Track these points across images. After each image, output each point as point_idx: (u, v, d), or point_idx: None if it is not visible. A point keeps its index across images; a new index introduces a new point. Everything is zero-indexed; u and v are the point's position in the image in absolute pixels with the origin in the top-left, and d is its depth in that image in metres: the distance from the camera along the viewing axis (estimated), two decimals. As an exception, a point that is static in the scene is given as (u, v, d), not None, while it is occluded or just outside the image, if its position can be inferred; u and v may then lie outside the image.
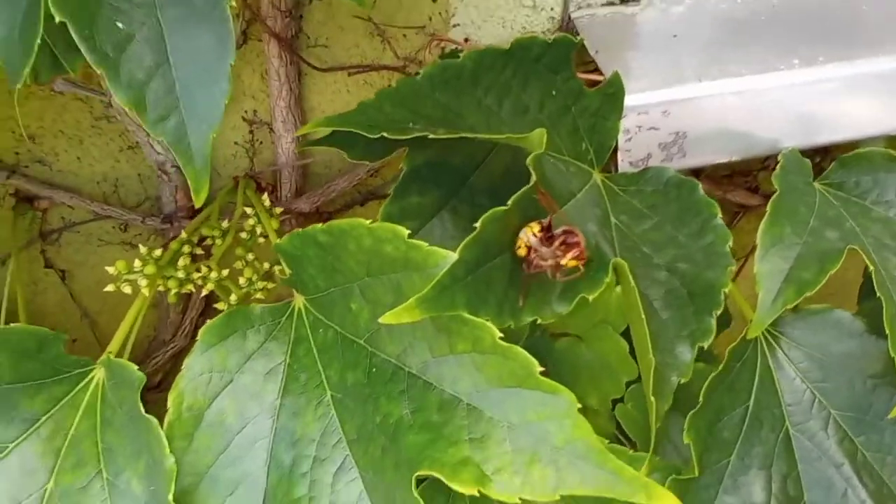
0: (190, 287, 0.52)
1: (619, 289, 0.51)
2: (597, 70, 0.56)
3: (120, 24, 0.32)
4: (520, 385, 0.39)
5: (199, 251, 0.56)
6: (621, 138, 0.55)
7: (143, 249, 0.50)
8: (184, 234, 0.53)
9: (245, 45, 0.60)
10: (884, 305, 0.51)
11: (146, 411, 0.43)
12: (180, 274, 0.50)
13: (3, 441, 0.45)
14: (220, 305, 0.51)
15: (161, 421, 0.43)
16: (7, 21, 0.35)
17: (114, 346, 0.46)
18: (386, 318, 0.37)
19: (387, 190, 0.59)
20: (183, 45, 0.33)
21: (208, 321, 0.44)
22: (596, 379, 0.67)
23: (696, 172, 0.72)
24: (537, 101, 0.52)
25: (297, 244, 0.43)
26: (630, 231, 0.52)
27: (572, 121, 0.54)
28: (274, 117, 0.62)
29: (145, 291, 0.49)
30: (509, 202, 0.41)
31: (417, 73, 0.50)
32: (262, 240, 0.56)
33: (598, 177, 0.53)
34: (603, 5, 0.60)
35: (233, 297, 0.52)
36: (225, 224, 0.56)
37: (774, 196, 0.53)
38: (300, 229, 0.43)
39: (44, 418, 0.45)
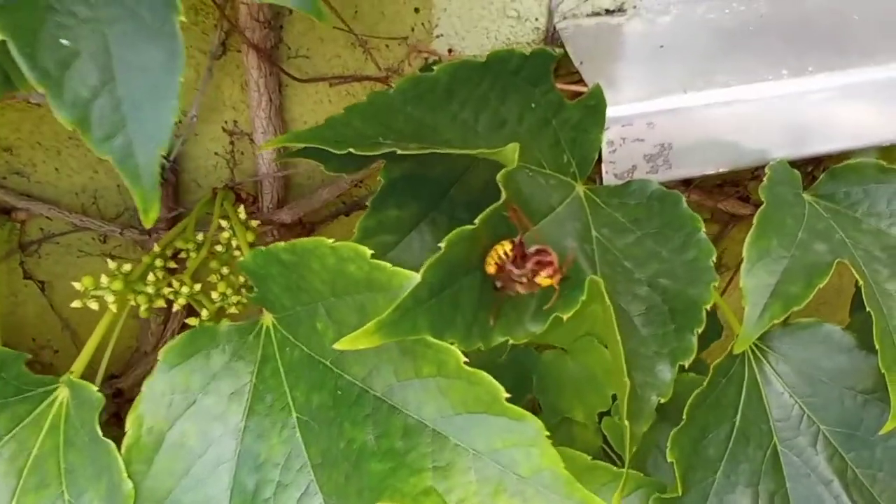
0: (161, 302, 0.51)
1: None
2: (582, 81, 0.55)
3: (64, 41, 0.31)
4: (486, 411, 0.38)
5: (173, 265, 0.55)
6: (605, 150, 0.54)
7: (111, 264, 0.49)
8: (156, 248, 0.52)
9: (224, 56, 0.59)
10: (874, 320, 0.50)
11: (124, 426, 0.42)
12: (149, 289, 0.49)
13: (-36, 461, 0.44)
14: (191, 321, 0.50)
15: (123, 442, 0.42)
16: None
17: (77, 365, 0.45)
18: (342, 344, 0.35)
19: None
20: (131, 61, 0.32)
21: (169, 341, 0.43)
22: (582, 392, 0.66)
23: (687, 182, 0.70)
24: (516, 114, 0.51)
25: (260, 262, 0.42)
26: (612, 245, 0.50)
27: (553, 133, 0.52)
28: (254, 128, 0.61)
29: (113, 308, 0.48)
30: (476, 221, 0.39)
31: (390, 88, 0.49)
32: (237, 253, 0.55)
33: (580, 189, 0.52)
34: (589, 15, 0.59)
35: (205, 313, 0.51)
36: (200, 237, 0.55)
37: (761, 208, 0.52)
38: (263, 247, 0.41)
39: (6, 438, 0.44)
